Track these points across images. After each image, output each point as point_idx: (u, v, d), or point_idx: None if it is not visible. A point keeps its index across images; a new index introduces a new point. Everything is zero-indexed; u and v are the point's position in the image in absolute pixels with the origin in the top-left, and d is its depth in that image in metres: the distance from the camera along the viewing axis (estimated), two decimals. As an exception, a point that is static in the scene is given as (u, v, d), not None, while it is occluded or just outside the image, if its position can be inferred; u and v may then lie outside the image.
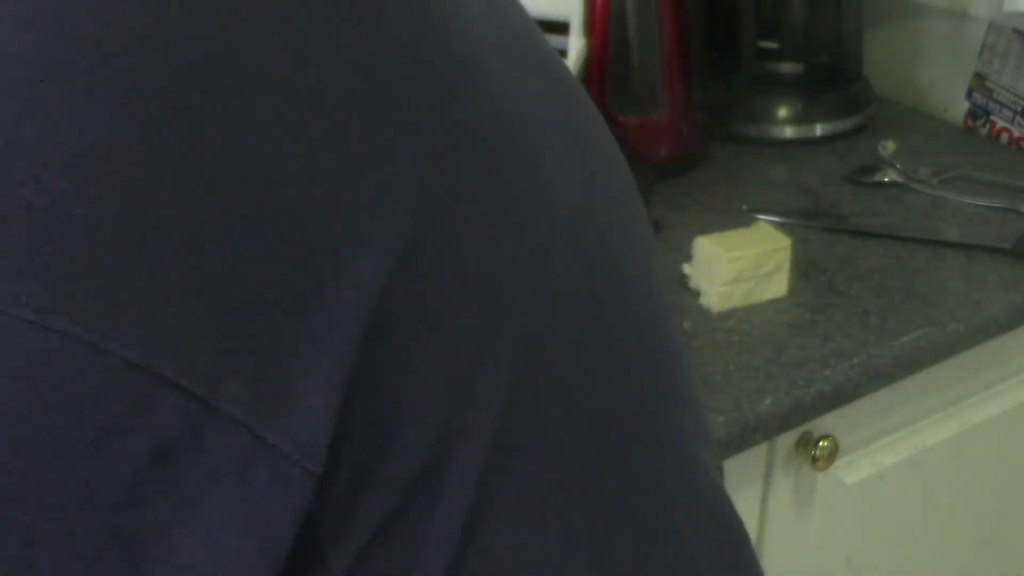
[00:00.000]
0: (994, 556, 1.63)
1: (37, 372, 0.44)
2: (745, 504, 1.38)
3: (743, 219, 1.52)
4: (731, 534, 0.73)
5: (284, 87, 0.48)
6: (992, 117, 1.81)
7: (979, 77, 1.82)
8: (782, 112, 1.78)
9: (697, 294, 1.42)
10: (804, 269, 1.45)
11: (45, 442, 0.44)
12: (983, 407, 1.50)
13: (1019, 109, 1.78)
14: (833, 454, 1.36)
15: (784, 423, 1.30)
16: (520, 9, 0.70)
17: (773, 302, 1.42)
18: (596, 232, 0.64)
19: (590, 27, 1.55)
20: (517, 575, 0.58)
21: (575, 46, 1.46)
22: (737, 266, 1.39)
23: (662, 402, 0.68)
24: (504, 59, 0.61)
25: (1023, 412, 1.52)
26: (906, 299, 1.40)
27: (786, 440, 1.36)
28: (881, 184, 1.68)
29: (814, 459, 1.36)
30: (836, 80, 1.80)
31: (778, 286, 1.42)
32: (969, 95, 1.83)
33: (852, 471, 1.41)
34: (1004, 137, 1.80)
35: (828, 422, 1.35)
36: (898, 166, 1.68)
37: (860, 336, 1.37)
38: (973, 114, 1.83)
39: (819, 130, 1.78)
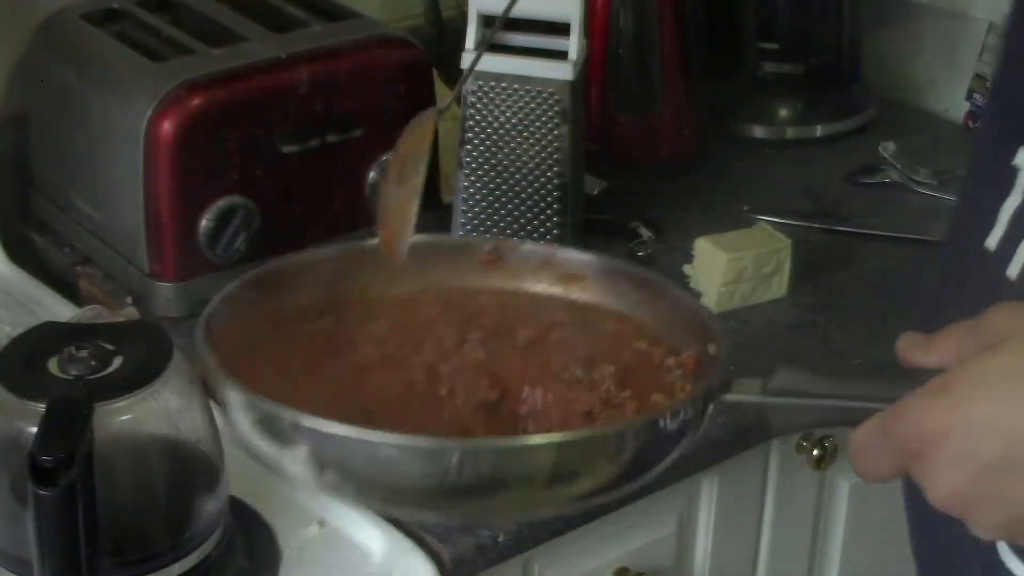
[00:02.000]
0: (994, 556, 1.63)
1: None
2: (745, 504, 1.38)
3: (743, 220, 1.53)
4: None
5: None
6: (992, 117, 1.81)
7: (979, 78, 1.82)
8: (782, 112, 1.78)
9: (698, 294, 1.42)
10: (804, 269, 1.46)
11: None
12: (983, 407, 1.50)
13: (1019, 109, 1.78)
14: (833, 454, 1.36)
15: (784, 423, 1.30)
16: None
17: (773, 302, 1.43)
18: None
19: (590, 28, 1.55)
20: None
21: (575, 46, 1.46)
22: (737, 267, 1.39)
23: None
24: None
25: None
26: (906, 299, 1.40)
27: (786, 440, 1.36)
28: (881, 184, 1.68)
29: (814, 459, 1.36)
30: (836, 80, 1.80)
31: (778, 286, 1.43)
32: (969, 96, 1.83)
33: (852, 471, 1.41)
34: (1004, 137, 1.80)
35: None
36: (898, 166, 1.68)
37: (860, 336, 1.37)
38: (973, 115, 1.83)
39: (819, 130, 1.78)
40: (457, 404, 0.85)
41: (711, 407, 0.81)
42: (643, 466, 0.79)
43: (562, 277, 0.93)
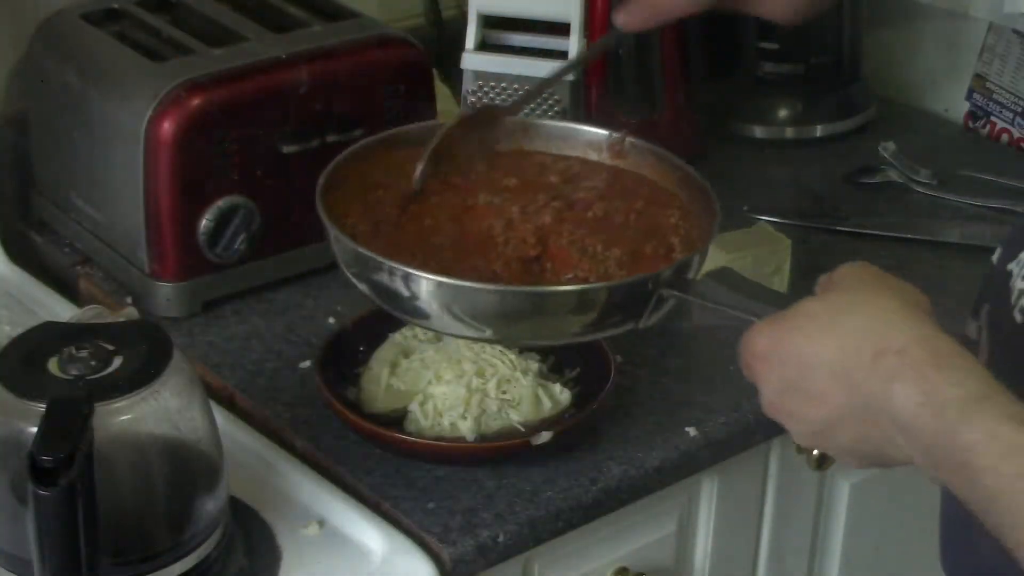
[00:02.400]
0: (994, 556, 1.62)
1: None
2: (745, 504, 1.38)
3: (743, 220, 1.53)
4: None
5: None
6: (992, 118, 1.81)
7: (979, 78, 1.82)
8: (782, 112, 1.78)
9: (697, 294, 1.42)
10: (804, 269, 1.45)
11: None
12: (983, 407, 1.50)
13: (1019, 110, 1.78)
14: (833, 454, 1.36)
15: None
16: None
17: (773, 302, 1.42)
18: None
19: (590, 28, 1.55)
20: None
21: (575, 47, 1.46)
22: (737, 266, 1.39)
23: None
24: None
25: (1023, 412, 1.52)
26: (906, 299, 1.39)
27: (786, 440, 1.36)
28: (881, 184, 1.68)
29: (814, 459, 1.36)
30: (836, 80, 1.80)
31: (778, 286, 1.43)
32: (969, 96, 1.83)
33: (852, 472, 1.41)
34: (1004, 138, 1.80)
35: (828, 422, 1.34)
36: (898, 166, 1.68)
37: (860, 336, 1.37)
38: (973, 114, 1.83)
39: (819, 130, 1.78)
40: (506, 252, 1.05)
41: (658, 298, 1.00)
42: (601, 326, 1.02)
43: (664, 174, 1.15)
